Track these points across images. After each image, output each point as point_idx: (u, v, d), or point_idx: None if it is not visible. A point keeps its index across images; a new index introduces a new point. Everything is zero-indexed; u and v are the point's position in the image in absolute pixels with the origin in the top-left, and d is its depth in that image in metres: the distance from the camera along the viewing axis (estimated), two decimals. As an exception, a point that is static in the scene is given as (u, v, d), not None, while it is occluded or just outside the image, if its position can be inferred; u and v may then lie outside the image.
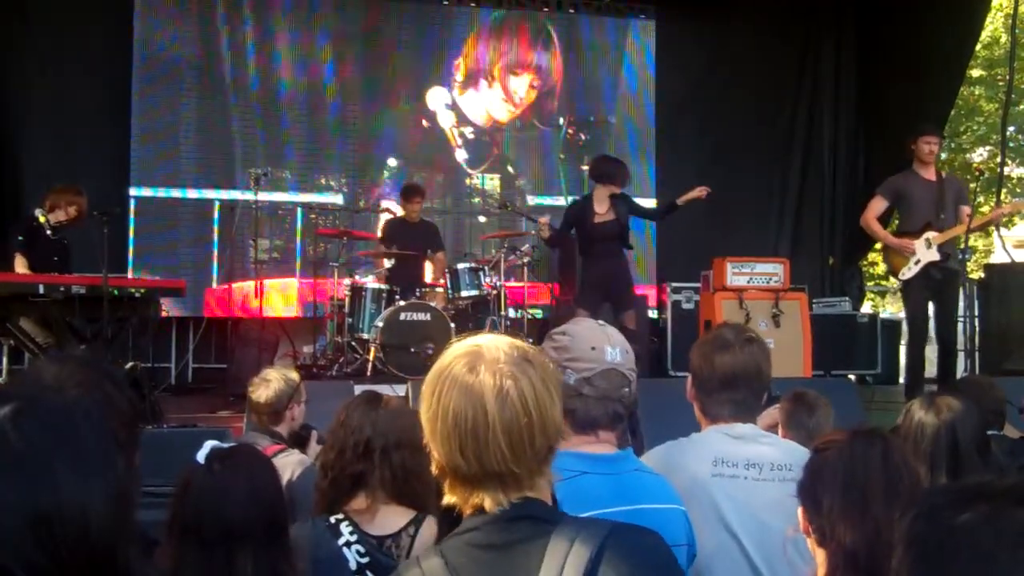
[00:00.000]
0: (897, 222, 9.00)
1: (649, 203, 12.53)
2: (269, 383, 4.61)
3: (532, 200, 12.60)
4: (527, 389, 1.77)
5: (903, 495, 2.32)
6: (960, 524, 1.25)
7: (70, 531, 1.22)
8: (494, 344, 1.83)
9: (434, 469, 1.82)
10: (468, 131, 12.82)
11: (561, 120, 13.18)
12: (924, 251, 8.23)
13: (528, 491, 1.79)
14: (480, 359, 1.78)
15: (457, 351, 1.83)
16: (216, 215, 11.29)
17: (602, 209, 8.63)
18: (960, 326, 10.36)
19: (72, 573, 1.22)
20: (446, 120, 12.70)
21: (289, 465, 4.18)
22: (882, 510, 2.29)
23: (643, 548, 1.83)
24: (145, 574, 1.39)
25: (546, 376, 1.82)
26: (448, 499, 1.82)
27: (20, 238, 8.07)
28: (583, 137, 13.26)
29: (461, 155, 12.76)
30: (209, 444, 2.51)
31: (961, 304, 10.33)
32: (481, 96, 12.93)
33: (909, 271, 8.30)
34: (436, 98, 12.67)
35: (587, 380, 2.50)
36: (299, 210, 11.71)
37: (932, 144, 8.44)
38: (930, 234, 8.21)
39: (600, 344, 2.53)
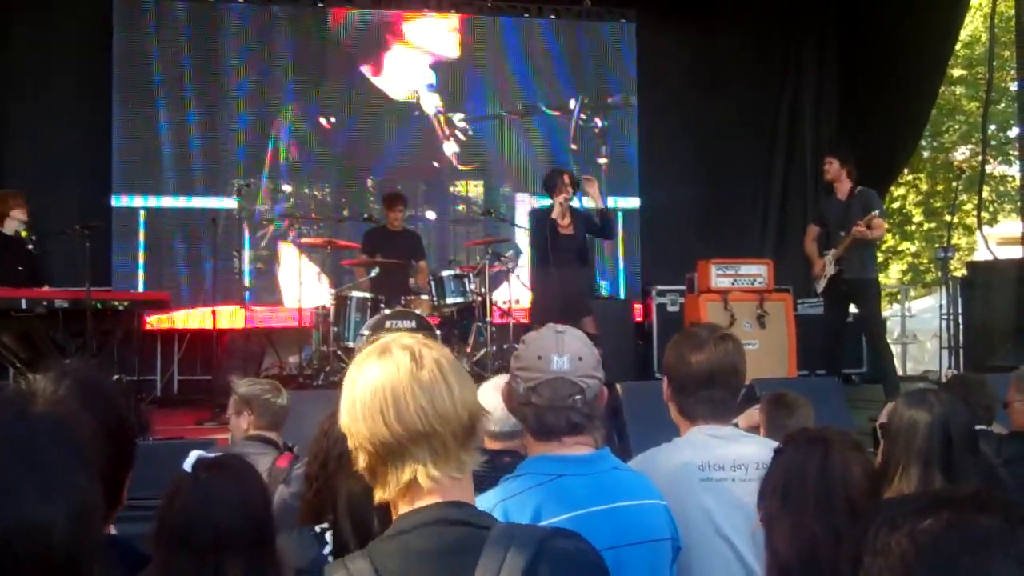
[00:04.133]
0: None
1: (633, 201, 12.55)
2: (280, 391, 4.69)
3: (537, 202, 11.37)
4: (439, 357, 1.83)
5: (838, 508, 2.32)
6: (923, 531, 1.25)
7: (32, 548, 1.21)
8: (399, 334, 1.90)
9: (362, 464, 1.82)
10: (458, 118, 12.21)
11: (572, 102, 12.54)
12: (829, 267, 8.91)
13: (455, 471, 1.80)
14: (390, 343, 1.85)
15: (367, 349, 1.88)
16: (142, 225, 11.22)
17: (564, 222, 8.59)
18: (944, 323, 10.44)
19: None
20: (430, 104, 12.12)
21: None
22: (816, 522, 2.29)
23: (576, 556, 1.85)
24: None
25: (451, 358, 1.88)
26: (380, 495, 1.83)
27: None
28: (599, 123, 12.60)
29: (450, 148, 12.15)
30: (195, 453, 2.50)
31: (944, 301, 10.45)
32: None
33: (819, 285, 9.08)
34: (417, 78, 12.17)
35: (533, 389, 2.51)
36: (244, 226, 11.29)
37: (827, 164, 9.20)
38: (832, 251, 8.87)
39: (547, 353, 2.52)
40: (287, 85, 11.79)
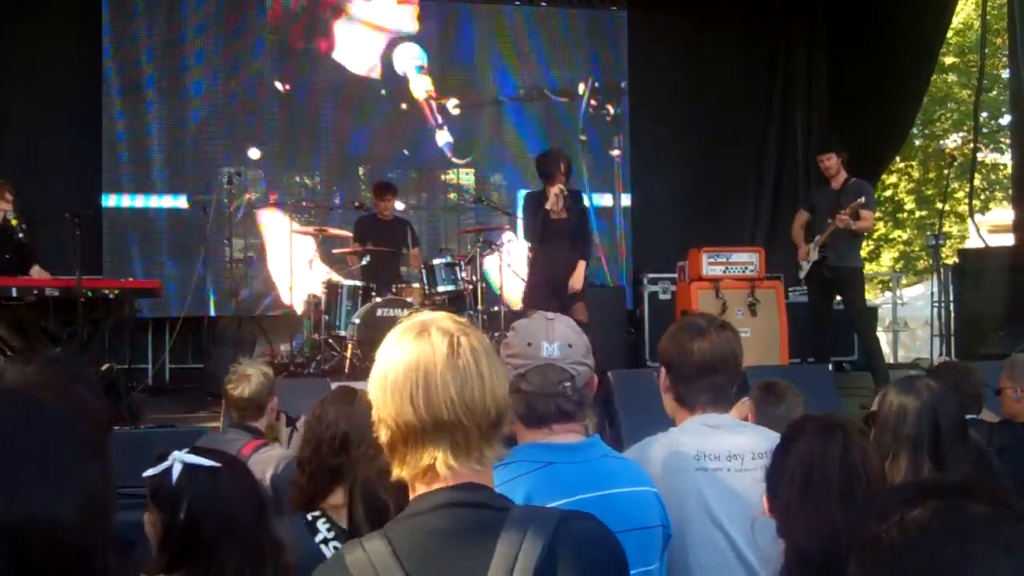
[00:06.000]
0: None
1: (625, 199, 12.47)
2: (249, 378, 4.63)
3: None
4: (477, 346, 1.82)
5: (861, 494, 2.32)
6: (910, 520, 1.25)
7: (41, 542, 1.19)
8: (440, 315, 1.89)
9: (383, 438, 1.81)
10: (451, 104, 11.64)
11: (581, 87, 11.99)
12: (813, 253, 8.99)
13: (476, 463, 1.80)
14: (430, 324, 1.83)
15: (406, 323, 1.87)
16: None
17: (556, 207, 8.57)
18: (936, 311, 10.46)
19: None
20: (419, 88, 11.54)
21: (272, 460, 4.19)
22: (839, 510, 2.28)
23: (592, 536, 1.86)
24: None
25: (488, 347, 1.86)
26: (397, 472, 1.82)
27: None
28: (611, 110, 12.09)
29: (443, 138, 11.59)
30: (173, 455, 2.51)
31: (936, 289, 10.48)
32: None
33: (802, 272, 9.25)
34: (405, 57, 11.59)
35: (522, 376, 2.50)
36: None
37: (824, 161, 9.22)
38: (817, 237, 8.94)
39: (536, 340, 2.52)
40: (276, 73, 11.64)
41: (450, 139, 11.72)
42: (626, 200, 12.33)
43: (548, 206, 8.44)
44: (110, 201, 11.02)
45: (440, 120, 11.62)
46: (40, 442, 1.26)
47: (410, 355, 1.79)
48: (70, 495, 1.23)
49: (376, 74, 11.77)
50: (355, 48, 11.63)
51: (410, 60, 11.58)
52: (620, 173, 12.18)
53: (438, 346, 1.78)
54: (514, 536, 1.72)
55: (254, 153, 11.39)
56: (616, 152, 12.27)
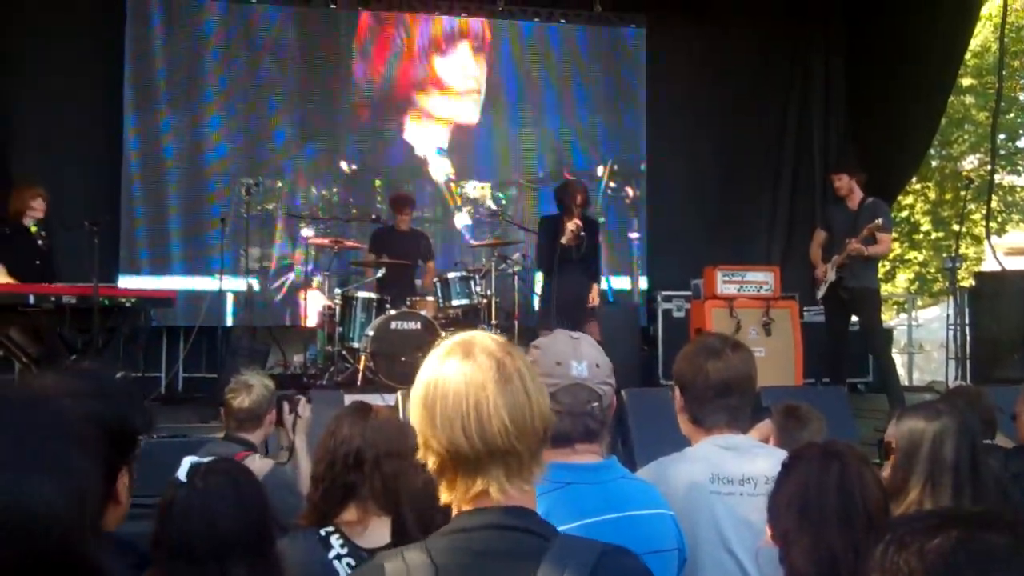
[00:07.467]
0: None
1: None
2: (251, 388, 4.61)
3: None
4: (521, 366, 1.80)
5: (858, 522, 2.31)
6: (931, 549, 1.24)
7: (27, 528, 1.20)
8: (482, 335, 1.86)
9: (431, 464, 1.78)
10: (471, 187, 11.73)
11: (600, 169, 12.05)
12: (830, 274, 8.94)
13: (525, 483, 1.79)
14: (474, 346, 1.81)
15: (449, 343, 1.85)
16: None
17: (571, 242, 8.63)
18: (951, 333, 10.42)
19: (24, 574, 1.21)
20: (439, 171, 11.59)
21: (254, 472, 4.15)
22: (837, 538, 2.28)
23: (631, 572, 1.83)
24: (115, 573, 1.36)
25: (529, 364, 1.85)
26: (445, 497, 1.79)
27: None
28: (631, 192, 12.16)
29: (462, 220, 11.61)
30: (188, 460, 2.50)
31: (952, 312, 10.44)
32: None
33: (820, 292, 9.16)
34: (423, 139, 11.66)
35: (552, 396, 2.48)
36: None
37: (836, 181, 9.22)
38: (835, 258, 8.88)
39: (566, 359, 2.50)
40: (294, 90, 11.65)
41: (468, 221, 11.76)
42: (643, 283, 12.29)
43: (564, 241, 8.51)
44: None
45: (461, 201, 11.69)
46: (31, 433, 1.28)
47: (458, 382, 1.75)
48: (58, 484, 1.25)
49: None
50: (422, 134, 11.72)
51: (430, 142, 11.62)
52: (637, 256, 12.19)
53: (487, 371, 1.75)
54: (555, 566, 1.69)
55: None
56: (635, 235, 12.26)
